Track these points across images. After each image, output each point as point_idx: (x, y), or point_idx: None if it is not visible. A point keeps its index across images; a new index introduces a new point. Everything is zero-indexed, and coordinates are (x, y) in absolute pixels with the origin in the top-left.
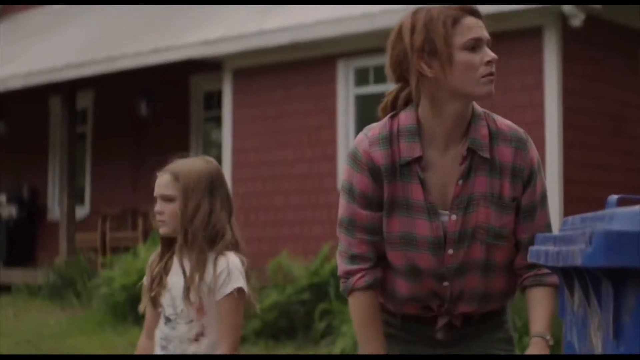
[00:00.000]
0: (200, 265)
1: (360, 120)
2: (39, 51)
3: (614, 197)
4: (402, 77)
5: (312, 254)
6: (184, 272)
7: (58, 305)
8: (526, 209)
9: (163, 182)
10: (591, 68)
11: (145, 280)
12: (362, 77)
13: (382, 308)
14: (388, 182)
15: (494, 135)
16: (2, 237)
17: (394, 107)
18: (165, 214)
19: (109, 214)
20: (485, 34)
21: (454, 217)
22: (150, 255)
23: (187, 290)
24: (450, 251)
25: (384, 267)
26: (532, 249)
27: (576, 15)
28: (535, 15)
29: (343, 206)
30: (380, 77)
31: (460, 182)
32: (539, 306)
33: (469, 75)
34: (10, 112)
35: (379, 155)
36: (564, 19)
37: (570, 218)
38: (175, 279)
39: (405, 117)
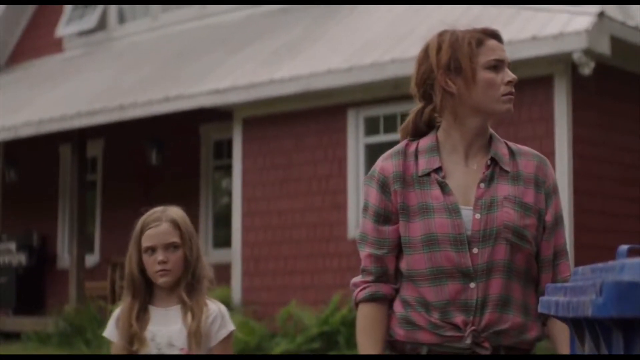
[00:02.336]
0: (203, 310)
1: (370, 170)
2: (50, 99)
3: (624, 248)
4: (426, 94)
5: (323, 303)
6: (193, 317)
7: (67, 353)
8: (548, 226)
9: (165, 230)
10: (601, 116)
11: (121, 340)
12: (372, 126)
13: (407, 348)
14: (400, 188)
15: (515, 152)
16: (11, 284)
17: (415, 126)
18: (170, 262)
19: (118, 262)
20: (506, 56)
21: (477, 215)
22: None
23: (192, 335)
24: (475, 250)
25: (404, 283)
26: (543, 299)
27: (586, 64)
28: (546, 64)
29: (360, 223)
30: (390, 126)
31: (482, 185)
32: (567, 332)
33: (491, 93)
34: (21, 159)
35: (389, 165)
36: (574, 67)
37: (580, 268)
38: (159, 328)
39: (425, 140)
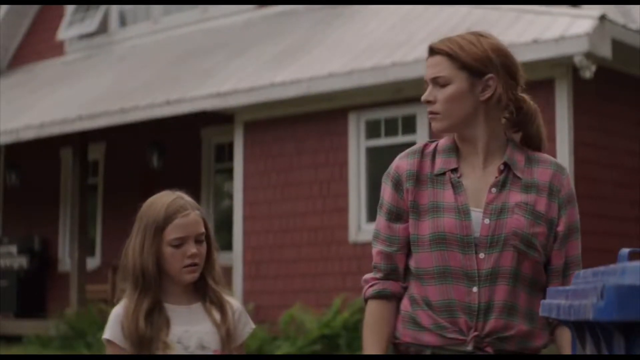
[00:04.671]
0: (228, 306)
1: (371, 173)
2: (51, 102)
3: (625, 251)
4: None
5: (324, 306)
6: (224, 316)
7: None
8: (559, 236)
9: (195, 220)
10: (602, 119)
11: (129, 344)
12: (373, 130)
13: (411, 350)
14: (412, 187)
15: (533, 160)
16: (13, 288)
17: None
18: (199, 256)
19: (120, 266)
20: (430, 73)
21: (486, 220)
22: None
23: (226, 335)
24: (482, 255)
25: (413, 282)
26: (544, 302)
27: (587, 67)
28: (547, 67)
29: (376, 221)
30: (391, 130)
31: (494, 190)
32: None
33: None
34: (22, 163)
35: (404, 164)
36: (575, 70)
37: (581, 272)
38: (185, 328)
39: (444, 140)
